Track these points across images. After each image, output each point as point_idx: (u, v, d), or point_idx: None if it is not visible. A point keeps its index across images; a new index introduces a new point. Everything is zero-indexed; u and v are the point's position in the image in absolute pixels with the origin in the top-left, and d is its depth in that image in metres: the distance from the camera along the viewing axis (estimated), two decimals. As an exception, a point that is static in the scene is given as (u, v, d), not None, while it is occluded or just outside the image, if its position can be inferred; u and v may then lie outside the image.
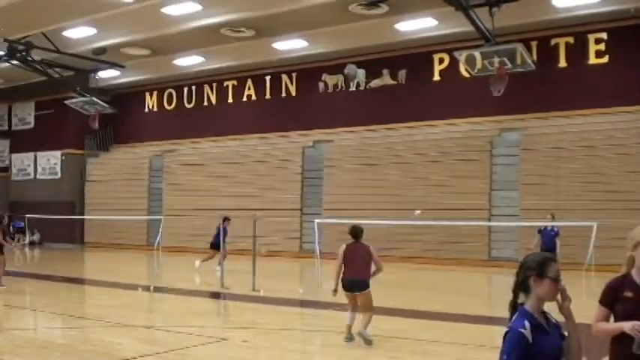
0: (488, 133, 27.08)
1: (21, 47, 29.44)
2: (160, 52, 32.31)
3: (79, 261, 31.69)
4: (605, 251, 20.69)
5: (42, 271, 24.60)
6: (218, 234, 22.02)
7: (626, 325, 4.50)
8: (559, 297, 4.07)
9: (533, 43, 26.09)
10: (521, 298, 4.12)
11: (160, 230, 33.05)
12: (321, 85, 31.96)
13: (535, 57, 24.95)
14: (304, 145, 31.59)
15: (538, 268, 4.06)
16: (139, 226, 35.58)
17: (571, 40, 25.90)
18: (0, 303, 15.83)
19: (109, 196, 37.04)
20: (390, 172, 28.31)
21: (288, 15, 25.82)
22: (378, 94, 30.22)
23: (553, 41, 26.22)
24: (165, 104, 37.99)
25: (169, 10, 25.67)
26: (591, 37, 25.46)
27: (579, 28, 25.49)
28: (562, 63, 26.15)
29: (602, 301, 4.82)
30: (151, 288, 20.67)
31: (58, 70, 32.85)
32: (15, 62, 30.91)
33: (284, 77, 33.24)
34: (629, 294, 4.67)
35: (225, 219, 21.63)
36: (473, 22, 21.94)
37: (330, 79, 31.70)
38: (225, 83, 35.30)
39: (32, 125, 41.36)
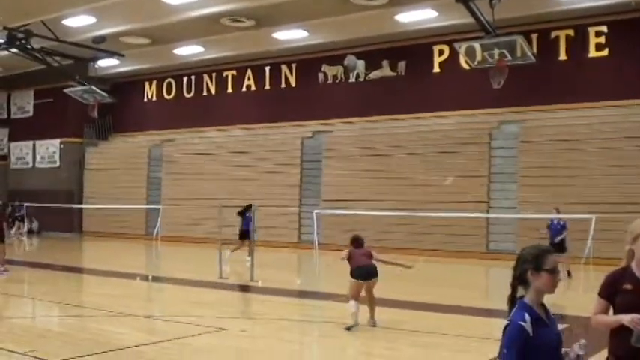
0: (487, 125, 27.07)
1: (20, 35, 29.35)
2: (159, 41, 32.26)
3: (77, 250, 31.73)
4: (603, 244, 20.72)
5: (40, 260, 24.62)
6: (244, 223, 22.34)
7: (625, 318, 4.52)
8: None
9: (534, 36, 26.05)
10: (520, 292, 4.09)
11: (159, 219, 33.06)
12: (320, 75, 31.92)
13: (535, 49, 24.91)
14: (303, 136, 31.57)
15: (535, 261, 4.03)
16: (137, 215, 35.59)
17: (571, 33, 25.86)
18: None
19: (107, 185, 37.04)
20: (388, 163, 28.30)
21: (289, 5, 25.76)
22: (378, 86, 30.20)
23: (553, 34, 26.18)
24: (165, 94, 37.95)
25: (169, -1, 25.66)
26: (591, 30, 25.42)
27: (580, 21, 25.45)
28: (562, 56, 26.12)
29: (601, 294, 4.84)
30: (150, 277, 20.71)
31: (57, 58, 32.77)
32: (14, 50, 30.82)
33: (284, 68, 33.20)
34: (628, 286, 4.68)
35: (249, 207, 21.91)
36: (473, 14, 21.91)
37: (330, 70, 31.66)
38: (225, 73, 35.26)
39: (31, 114, 41.30)
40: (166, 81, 37.67)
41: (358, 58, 30.64)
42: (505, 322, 3.98)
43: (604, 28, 25.14)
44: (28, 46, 30.35)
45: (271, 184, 31.02)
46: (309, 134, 31.61)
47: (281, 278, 20.78)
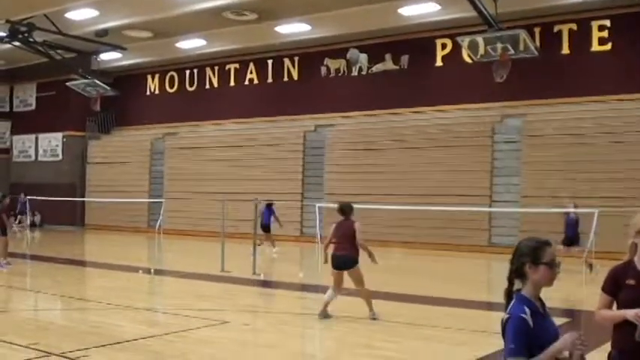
0: (490, 119, 27.03)
1: (23, 29, 29.36)
2: (162, 34, 32.23)
3: (79, 243, 31.75)
4: (606, 239, 20.67)
5: (43, 253, 24.66)
6: (266, 217, 23.91)
7: (629, 313, 4.51)
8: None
9: (537, 30, 26.00)
10: (517, 285, 4.05)
11: (161, 213, 33.06)
12: (323, 69, 31.89)
13: (538, 43, 24.84)
14: (306, 130, 31.55)
15: (532, 254, 3.99)
16: (139, 208, 35.61)
17: (574, 26, 25.80)
18: (1, 284, 15.88)
19: (110, 179, 37.07)
20: (391, 157, 28.30)
21: (291, -2, 25.78)
22: (380, 79, 30.15)
23: (556, 28, 26.13)
24: (167, 87, 37.93)
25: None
26: (594, 24, 25.36)
27: (582, 14, 25.40)
28: (565, 50, 26.06)
29: (604, 289, 4.82)
30: (152, 270, 20.72)
31: (59, 51, 32.79)
32: (17, 44, 30.85)
33: (286, 61, 33.17)
34: (631, 281, 4.66)
35: (270, 203, 24.06)
36: (476, 8, 21.87)
37: (333, 64, 31.62)
38: (227, 67, 35.23)
39: (33, 107, 41.30)
40: (169, 74, 37.65)
41: (361, 52, 30.60)
42: (505, 315, 3.93)
43: (607, 22, 25.08)
44: (31, 40, 30.38)
45: (274, 178, 31.01)
46: (312, 128, 31.60)
47: (283, 272, 20.81)
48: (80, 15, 28.60)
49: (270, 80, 33.80)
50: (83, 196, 38.20)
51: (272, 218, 24.45)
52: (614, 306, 4.77)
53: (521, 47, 22.16)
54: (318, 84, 31.97)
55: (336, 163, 30.01)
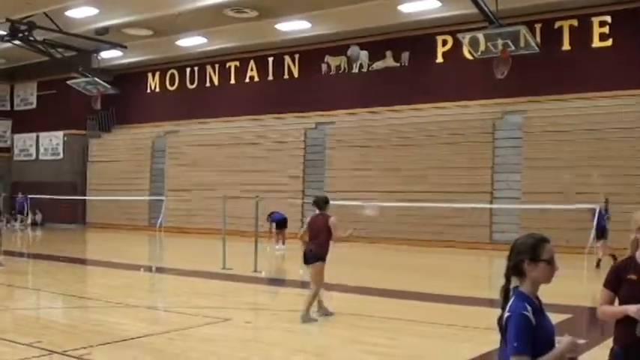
0: (491, 115, 27.02)
1: (23, 27, 29.34)
2: (162, 32, 32.23)
3: (80, 241, 31.76)
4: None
5: (44, 252, 24.66)
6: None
7: (631, 309, 4.51)
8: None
9: (537, 26, 25.97)
10: (514, 282, 3.98)
11: (163, 211, 33.06)
12: (323, 66, 31.87)
13: (539, 40, 24.84)
14: (306, 127, 31.55)
15: (531, 251, 3.90)
16: (141, 206, 35.62)
17: (575, 22, 25.78)
18: (2, 282, 15.88)
19: (111, 177, 37.08)
20: (391, 154, 28.30)
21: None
22: (381, 76, 30.14)
23: (557, 24, 26.10)
24: (168, 85, 37.92)
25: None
26: (595, 20, 25.34)
27: (583, 10, 25.38)
28: (566, 46, 26.05)
29: (606, 284, 4.81)
30: (154, 268, 20.73)
31: (60, 50, 32.79)
32: (17, 42, 30.83)
33: (287, 58, 33.15)
34: (633, 277, 4.66)
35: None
36: (476, 4, 21.86)
37: (333, 61, 31.60)
38: (228, 64, 35.22)
39: (34, 105, 41.33)
40: (169, 72, 37.64)
41: (361, 49, 30.59)
42: (506, 313, 3.85)
43: (608, 18, 25.06)
44: (31, 38, 30.37)
45: (274, 175, 31.01)
46: (313, 125, 31.60)
47: (284, 269, 20.82)
48: (80, 13, 28.61)
49: (270, 78, 33.78)
50: (84, 195, 38.20)
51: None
52: (616, 301, 4.76)
53: (522, 43, 22.16)
54: (318, 81, 31.95)
55: (336, 160, 30.00)
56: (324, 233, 11.24)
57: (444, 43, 28.64)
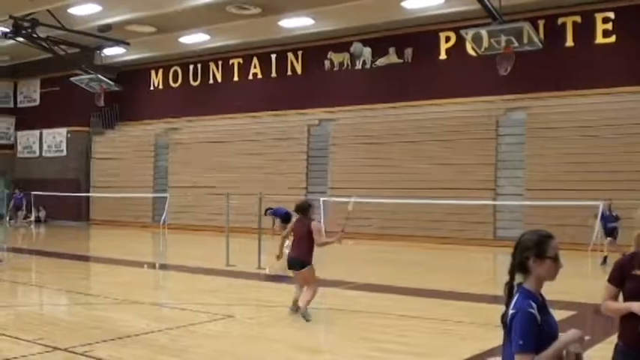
0: (494, 112, 26.99)
1: (26, 24, 29.34)
2: (165, 29, 32.22)
3: (84, 238, 31.79)
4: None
5: (47, 248, 24.67)
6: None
7: (634, 306, 4.51)
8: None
9: (540, 22, 25.93)
10: (519, 279, 3.97)
11: (166, 208, 33.07)
12: (327, 63, 31.85)
13: (542, 36, 24.79)
14: (310, 124, 31.54)
15: (536, 248, 3.90)
16: (144, 203, 35.64)
17: (578, 19, 25.74)
18: (6, 279, 15.91)
19: (114, 174, 37.11)
20: (395, 150, 28.28)
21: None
22: (384, 73, 30.11)
23: (560, 20, 26.06)
24: (171, 82, 37.92)
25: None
26: (598, 17, 25.29)
27: (586, 7, 25.34)
28: (569, 42, 26.00)
29: (610, 280, 4.82)
30: (157, 265, 20.73)
31: (63, 47, 32.77)
32: (20, 39, 30.81)
33: (290, 55, 33.12)
34: (637, 272, 4.65)
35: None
36: (480, 0, 21.80)
37: (336, 58, 31.58)
38: (231, 61, 35.21)
39: (38, 102, 41.35)
40: (172, 69, 37.65)
41: (364, 46, 30.57)
42: (511, 310, 3.85)
43: (611, 15, 25.01)
44: (34, 35, 30.35)
45: (278, 172, 31.02)
46: (316, 122, 31.59)
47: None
48: (83, 10, 28.63)
49: (273, 74, 33.77)
50: (87, 192, 38.22)
51: None
52: (621, 297, 4.76)
53: (525, 40, 22.09)
54: (321, 78, 31.94)
55: (340, 157, 30.00)
56: (307, 238, 11.14)
57: (447, 39, 28.60)
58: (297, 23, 30.03)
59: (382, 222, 27.19)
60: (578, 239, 20.80)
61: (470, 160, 26.37)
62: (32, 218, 38.15)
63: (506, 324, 3.88)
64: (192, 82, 36.93)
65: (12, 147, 42.37)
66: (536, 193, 24.65)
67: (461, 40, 26.66)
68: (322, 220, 26.69)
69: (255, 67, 34.42)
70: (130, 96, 38.01)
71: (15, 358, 8.33)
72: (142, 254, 23.73)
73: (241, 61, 34.84)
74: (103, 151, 38.62)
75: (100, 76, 32.96)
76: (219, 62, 35.66)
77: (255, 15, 29.51)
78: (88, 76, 33.16)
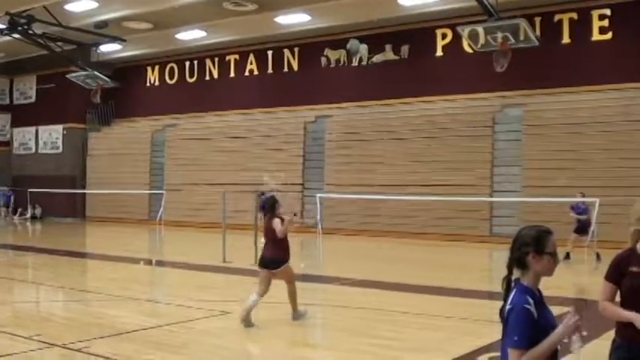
0: (491, 108, 27.01)
1: (22, 21, 29.30)
2: (161, 26, 32.17)
3: (80, 235, 31.75)
4: (606, 228, 20.68)
5: (44, 245, 24.66)
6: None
7: (637, 320, 4.50)
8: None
9: (537, 19, 25.95)
10: (516, 274, 3.95)
11: (162, 204, 33.07)
12: (323, 59, 31.86)
13: (538, 33, 24.81)
14: (306, 120, 31.53)
15: (536, 243, 3.88)
16: (140, 200, 35.63)
17: (574, 16, 25.76)
18: (2, 276, 15.89)
19: (110, 171, 37.08)
20: (391, 147, 28.28)
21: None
22: (381, 69, 30.12)
23: (556, 17, 26.08)
24: (167, 78, 37.90)
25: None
26: (595, 14, 25.32)
27: (583, 4, 25.38)
28: (565, 39, 26.02)
29: (607, 277, 4.79)
30: (154, 262, 20.73)
31: (59, 43, 32.73)
32: (16, 36, 30.79)
33: (286, 52, 33.12)
34: (635, 268, 4.64)
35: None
36: (476, -3, 21.84)
37: (333, 54, 31.58)
38: (227, 58, 35.20)
39: (34, 99, 41.27)
40: (169, 66, 37.63)
41: (361, 42, 30.57)
42: (508, 306, 3.85)
43: (607, 12, 25.04)
44: (30, 32, 30.33)
45: (274, 168, 30.97)
46: (312, 118, 31.58)
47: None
48: (79, 7, 28.57)
49: (270, 71, 33.76)
50: (84, 188, 38.21)
51: None
52: (618, 294, 4.75)
53: (522, 37, 22.12)
54: (318, 74, 31.94)
55: (336, 153, 29.99)
56: (273, 237, 10.69)
57: (444, 36, 28.62)
58: (293, 20, 30.00)
59: (377, 219, 27.21)
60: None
61: (466, 157, 26.38)
62: (28, 215, 38.12)
63: (504, 318, 3.88)
64: (188, 78, 36.91)
65: (8, 144, 42.31)
66: (532, 190, 24.68)
67: (457, 37, 26.68)
68: (319, 217, 26.75)
69: (251, 64, 34.40)
70: (126, 93, 37.98)
71: (12, 354, 8.33)
72: (138, 251, 23.74)
73: (237, 58, 34.83)
74: (99, 147, 38.58)
75: (96, 72, 32.96)
76: (216, 59, 35.64)
77: (252, 11, 29.48)
78: (84, 73, 33.14)
